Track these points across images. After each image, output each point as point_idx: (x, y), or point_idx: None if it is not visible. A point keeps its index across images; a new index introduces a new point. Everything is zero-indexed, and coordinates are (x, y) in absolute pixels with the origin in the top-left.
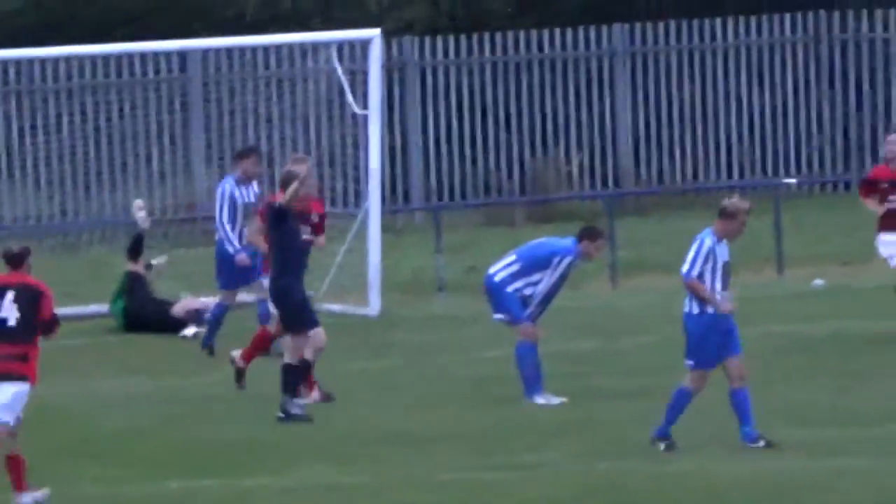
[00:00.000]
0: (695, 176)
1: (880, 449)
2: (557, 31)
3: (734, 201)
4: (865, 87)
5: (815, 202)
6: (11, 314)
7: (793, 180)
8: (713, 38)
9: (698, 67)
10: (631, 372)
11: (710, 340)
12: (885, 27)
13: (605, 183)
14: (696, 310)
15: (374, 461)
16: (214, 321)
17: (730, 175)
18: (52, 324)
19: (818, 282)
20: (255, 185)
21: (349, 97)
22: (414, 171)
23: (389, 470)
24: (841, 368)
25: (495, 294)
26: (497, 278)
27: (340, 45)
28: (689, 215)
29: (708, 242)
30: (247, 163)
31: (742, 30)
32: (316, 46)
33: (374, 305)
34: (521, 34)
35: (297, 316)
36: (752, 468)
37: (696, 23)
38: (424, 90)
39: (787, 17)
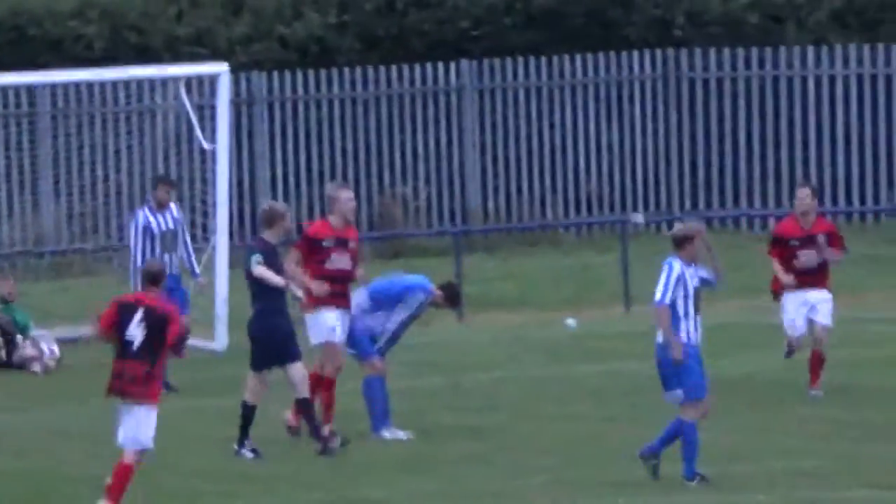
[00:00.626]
0: (542, 213)
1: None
2: (406, 66)
3: (687, 226)
4: (713, 124)
5: (662, 238)
6: (138, 334)
7: (640, 217)
8: (561, 74)
9: (546, 104)
10: (476, 408)
11: (692, 368)
12: (734, 66)
13: (452, 219)
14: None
15: (229, 498)
16: None
17: (578, 211)
18: (177, 348)
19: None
20: (173, 210)
21: (197, 132)
22: (261, 206)
23: None
24: None
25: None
26: None
27: (189, 80)
28: (535, 252)
29: (677, 267)
30: (157, 192)
31: (591, 67)
32: (165, 81)
33: (220, 340)
34: (370, 70)
35: (284, 349)
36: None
37: (543, 60)
38: (273, 125)
39: (636, 54)
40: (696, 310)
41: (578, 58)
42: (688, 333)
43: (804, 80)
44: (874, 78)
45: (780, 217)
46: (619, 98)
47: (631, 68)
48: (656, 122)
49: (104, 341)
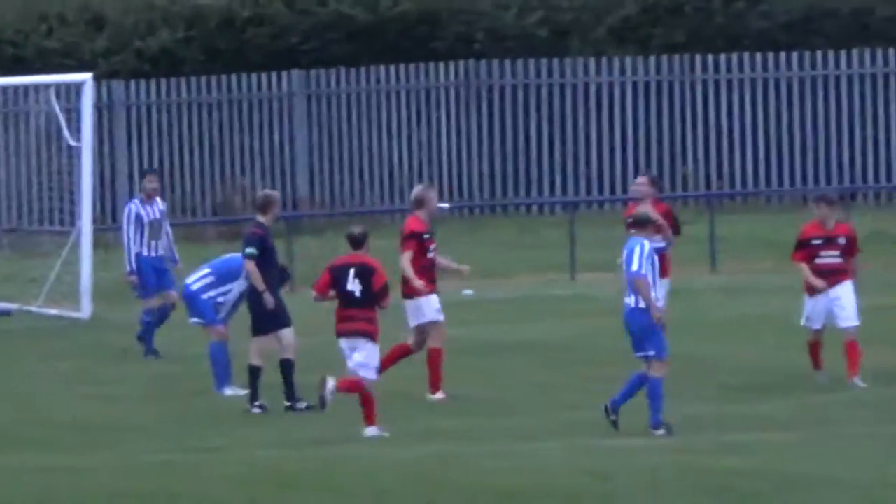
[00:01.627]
0: (362, 200)
1: (509, 436)
2: (244, 75)
3: (645, 211)
4: (508, 126)
5: (464, 224)
6: (356, 287)
7: (445, 204)
8: (378, 82)
9: (365, 108)
10: (307, 368)
11: (658, 331)
12: (526, 75)
13: (284, 206)
14: (642, 304)
15: (86, 447)
16: (150, 326)
17: (392, 200)
18: (381, 295)
19: (467, 292)
20: (158, 202)
21: (65, 132)
22: (121, 195)
23: (100, 453)
24: (490, 368)
25: (192, 301)
26: (193, 287)
27: (58, 87)
28: None
29: (647, 245)
30: (145, 182)
31: (403, 76)
32: (37, 88)
33: (85, 310)
34: (213, 79)
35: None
36: (416, 453)
37: (363, 70)
38: (130, 126)
39: (442, 65)
40: (655, 282)
41: (392, 68)
42: (656, 298)
43: (587, 87)
44: (647, 85)
45: (570, 204)
46: (428, 103)
47: (437, 77)
48: (459, 123)
49: None
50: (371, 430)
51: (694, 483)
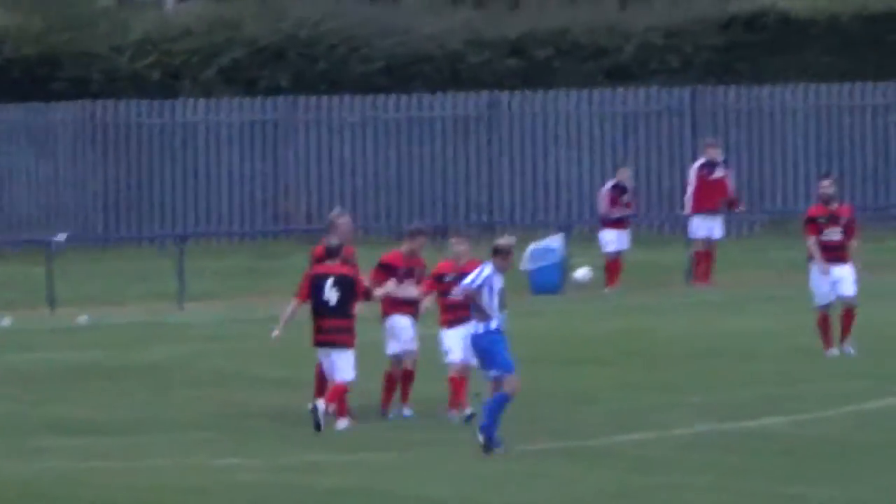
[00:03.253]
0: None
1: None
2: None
3: (508, 240)
4: (123, 161)
5: (81, 254)
6: (333, 296)
7: (62, 236)
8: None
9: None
10: None
11: (502, 348)
12: (139, 114)
13: None
14: (481, 329)
15: None
16: None
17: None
18: (367, 294)
19: (83, 318)
20: None
21: None
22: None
23: None
24: (101, 389)
25: None
26: None
27: None
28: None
29: (487, 270)
30: None
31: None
32: None
33: None
34: None
35: None
36: (34, 469)
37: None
38: None
39: (62, 104)
40: (501, 308)
41: (12, 106)
42: (498, 322)
43: (195, 126)
44: (252, 125)
45: (179, 237)
46: (47, 140)
47: (58, 115)
48: (76, 159)
49: None
50: (341, 423)
51: (297, 500)
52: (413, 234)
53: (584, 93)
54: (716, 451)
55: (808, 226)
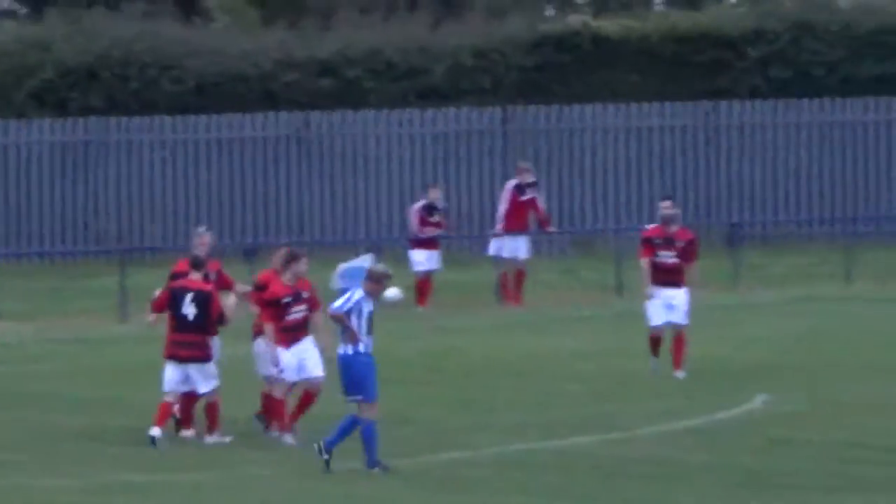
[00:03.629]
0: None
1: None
2: None
3: (382, 268)
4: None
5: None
6: (191, 311)
7: None
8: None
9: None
10: None
11: (370, 376)
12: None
13: None
14: (350, 350)
15: None
16: None
17: None
18: (220, 321)
19: None
20: None
21: None
22: None
23: None
24: None
25: None
26: None
27: None
28: None
29: (358, 294)
30: None
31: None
32: None
33: None
34: None
35: None
36: None
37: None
38: None
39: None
40: (369, 332)
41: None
42: (366, 346)
43: (6, 148)
44: (64, 145)
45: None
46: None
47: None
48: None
49: None
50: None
51: None
52: (293, 258)
53: (396, 113)
54: (527, 470)
55: (643, 246)
